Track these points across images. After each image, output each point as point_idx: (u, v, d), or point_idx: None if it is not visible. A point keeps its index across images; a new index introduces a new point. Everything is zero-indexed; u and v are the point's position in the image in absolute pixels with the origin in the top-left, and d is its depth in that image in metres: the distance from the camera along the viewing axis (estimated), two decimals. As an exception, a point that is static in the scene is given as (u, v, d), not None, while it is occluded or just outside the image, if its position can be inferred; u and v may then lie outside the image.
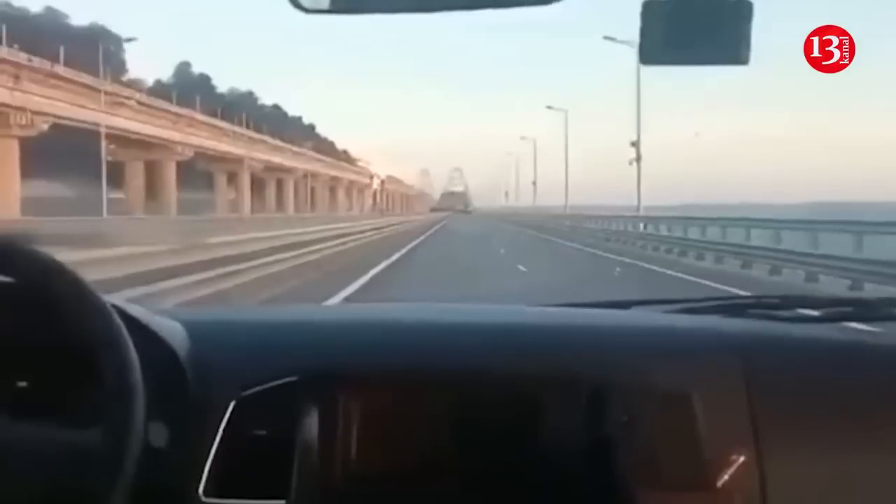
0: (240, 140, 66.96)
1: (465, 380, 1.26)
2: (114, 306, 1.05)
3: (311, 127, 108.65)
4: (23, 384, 1.15)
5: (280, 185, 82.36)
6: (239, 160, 67.15)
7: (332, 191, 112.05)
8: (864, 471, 1.17)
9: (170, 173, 55.75)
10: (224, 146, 63.25)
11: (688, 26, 1.24)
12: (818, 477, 1.17)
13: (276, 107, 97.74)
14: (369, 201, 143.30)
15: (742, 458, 1.16)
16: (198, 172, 66.79)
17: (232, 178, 69.37)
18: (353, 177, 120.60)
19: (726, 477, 1.16)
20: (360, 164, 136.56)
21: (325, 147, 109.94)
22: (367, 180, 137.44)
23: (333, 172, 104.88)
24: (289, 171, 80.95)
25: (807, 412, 1.20)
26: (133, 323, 1.09)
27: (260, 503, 1.17)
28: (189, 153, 55.93)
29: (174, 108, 55.04)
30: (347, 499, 1.20)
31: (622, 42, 29.69)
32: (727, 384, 1.22)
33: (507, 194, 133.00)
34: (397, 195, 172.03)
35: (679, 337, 1.38)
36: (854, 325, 1.49)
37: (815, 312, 1.49)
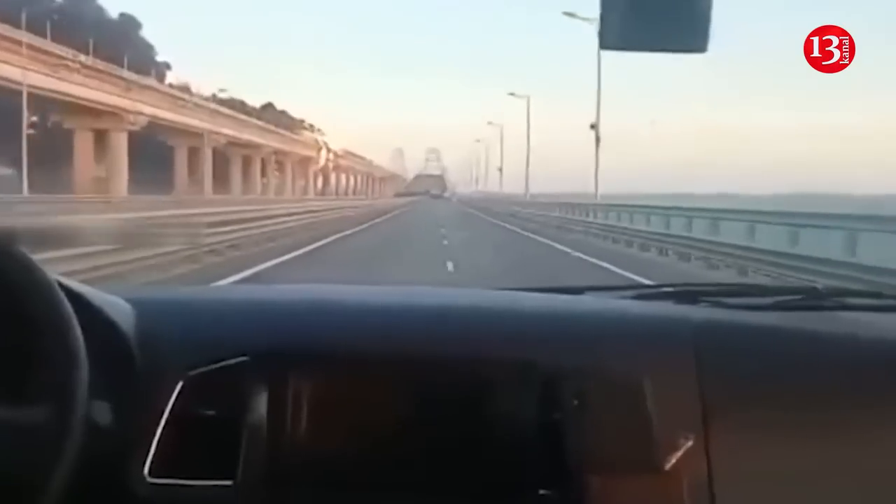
0: None
1: (416, 362, 1.26)
2: (60, 284, 1.03)
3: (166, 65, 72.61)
4: None
5: (102, 140, 45.86)
6: None
7: (247, 161, 76.06)
8: (809, 456, 1.20)
9: None
10: None
11: (648, 13, 1.25)
12: (764, 461, 1.20)
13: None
14: (318, 181, 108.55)
15: (690, 442, 1.18)
16: None
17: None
18: (280, 145, 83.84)
19: (674, 460, 1.18)
20: (306, 133, 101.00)
21: (235, 105, 74.04)
22: (311, 153, 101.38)
23: (240, 133, 68.32)
24: (114, 114, 44.27)
25: (755, 398, 1.23)
26: (79, 300, 1.08)
27: (206, 484, 1.16)
28: None
29: None
30: (295, 480, 1.20)
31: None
32: (678, 370, 1.24)
33: (478, 180, 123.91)
34: (359, 175, 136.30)
35: (631, 322, 1.38)
36: (803, 314, 1.51)
37: (765, 301, 1.51)
